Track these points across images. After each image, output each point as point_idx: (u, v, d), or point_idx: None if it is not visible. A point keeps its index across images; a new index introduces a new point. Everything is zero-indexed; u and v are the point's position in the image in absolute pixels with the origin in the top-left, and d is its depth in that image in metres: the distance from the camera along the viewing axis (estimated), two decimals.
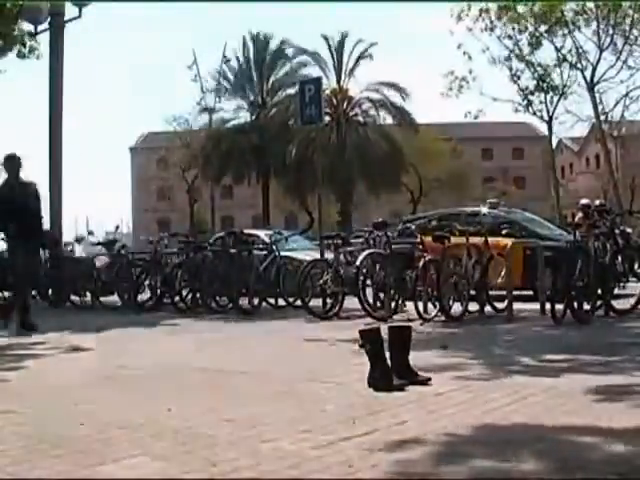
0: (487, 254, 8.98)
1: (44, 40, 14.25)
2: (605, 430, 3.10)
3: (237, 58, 39.87)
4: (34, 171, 10.71)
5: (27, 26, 15.55)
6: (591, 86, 25.87)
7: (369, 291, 9.00)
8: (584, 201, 12.71)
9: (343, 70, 38.58)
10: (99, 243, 13.48)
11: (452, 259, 8.65)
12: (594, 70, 25.95)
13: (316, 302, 9.44)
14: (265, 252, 11.12)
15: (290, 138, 34.98)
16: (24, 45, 17.14)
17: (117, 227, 19.77)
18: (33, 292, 14.28)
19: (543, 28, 25.77)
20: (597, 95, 25.98)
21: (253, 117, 40.01)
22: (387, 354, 4.31)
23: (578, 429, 3.13)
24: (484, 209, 12.40)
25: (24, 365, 5.51)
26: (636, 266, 9.84)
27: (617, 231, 8.86)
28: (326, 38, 38.54)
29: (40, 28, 13.45)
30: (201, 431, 3.24)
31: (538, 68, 26.87)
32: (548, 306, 7.60)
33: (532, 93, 27.34)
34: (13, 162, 8.60)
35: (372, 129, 37.44)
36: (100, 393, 4.24)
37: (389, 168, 35.70)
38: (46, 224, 10.64)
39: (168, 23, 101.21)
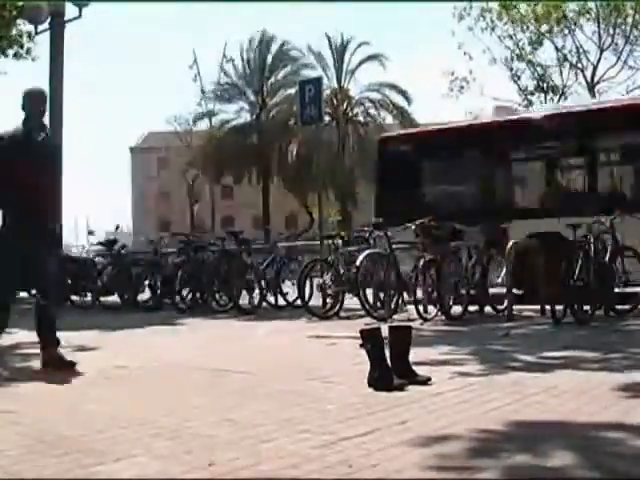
0: (487, 254, 8.97)
1: (44, 41, 14.27)
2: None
3: (235, 61, 39.97)
4: None
5: (27, 27, 15.58)
6: (591, 86, 25.85)
7: (369, 291, 9.01)
8: None
9: (344, 70, 38.59)
10: (99, 243, 13.47)
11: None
12: (594, 70, 25.95)
13: (316, 302, 9.46)
14: None
15: (290, 138, 34.98)
16: (21, 46, 17.18)
17: (117, 227, 19.63)
18: (34, 292, 14.33)
19: (544, 28, 25.75)
20: (597, 95, 25.95)
21: (253, 117, 40.03)
22: (387, 354, 4.31)
23: (580, 427, 3.13)
24: None
25: (29, 365, 5.50)
26: None
27: None
28: (328, 38, 38.62)
29: (40, 28, 13.46)
30: (201, 431, 3.24)
31: (538, 68, 26.87)
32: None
33: (532, 93, 27.34)
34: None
35: (372, 129, 37.43)
36: (100, 393, 4.23)
37: None
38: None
39: (168, 23, 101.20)
